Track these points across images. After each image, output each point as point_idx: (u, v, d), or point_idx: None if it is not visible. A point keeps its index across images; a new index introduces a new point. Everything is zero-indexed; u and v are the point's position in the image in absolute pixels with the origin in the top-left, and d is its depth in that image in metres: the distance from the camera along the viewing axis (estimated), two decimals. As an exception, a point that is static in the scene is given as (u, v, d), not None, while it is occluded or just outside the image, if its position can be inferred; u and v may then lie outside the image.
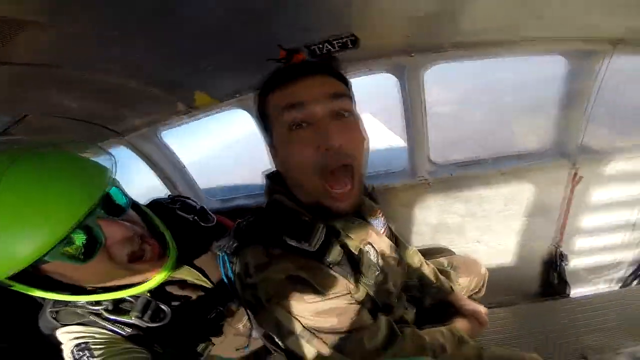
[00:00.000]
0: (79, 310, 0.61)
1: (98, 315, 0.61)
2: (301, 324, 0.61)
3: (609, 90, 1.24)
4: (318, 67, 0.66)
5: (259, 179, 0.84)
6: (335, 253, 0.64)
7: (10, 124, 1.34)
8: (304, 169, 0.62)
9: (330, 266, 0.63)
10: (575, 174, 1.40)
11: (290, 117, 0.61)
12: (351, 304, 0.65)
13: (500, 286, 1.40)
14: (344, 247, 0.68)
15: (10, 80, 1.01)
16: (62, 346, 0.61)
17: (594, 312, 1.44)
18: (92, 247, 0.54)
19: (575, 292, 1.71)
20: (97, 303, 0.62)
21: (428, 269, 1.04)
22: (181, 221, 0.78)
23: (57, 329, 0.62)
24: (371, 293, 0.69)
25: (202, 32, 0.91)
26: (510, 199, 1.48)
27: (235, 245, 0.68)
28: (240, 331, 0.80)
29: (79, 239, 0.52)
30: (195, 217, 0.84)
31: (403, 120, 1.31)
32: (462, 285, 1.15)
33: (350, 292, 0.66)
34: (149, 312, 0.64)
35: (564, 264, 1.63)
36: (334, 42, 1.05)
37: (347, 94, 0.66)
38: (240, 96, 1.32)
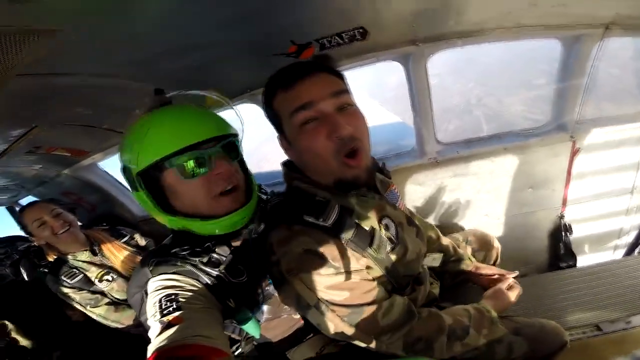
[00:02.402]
0: (178, 262, 0.76)
1: (194, 265, 0.76)
2: (316, 296, 0.70)
3: (600, 68, 1.40)
4: (315, 67, 0.76)
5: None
6: (349, 230, 0.73)
7: (23, 136, 1.42)
8: (320, 156, 0.72)
9: (345, 242, 0.73)
10: (574, 145, 1.56)
11: (301, 117, 0.71)
12: (365, 280, 0.73)
13: (510, 259, 1.53)
14: (357, 225, 0.75)
15: (22, 92, 1.09)
16: (148, 296, 0.72)
17: (601, 282, 1.55)
18: (200, 170, 0.76)
19: (582, 262, 1.85)
20: (196, 255, 0.78)
21: (446, 242, 1.15)
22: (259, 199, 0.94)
23: (149, 279, 0.75)
24: (382, 270, 0.76)
25: (213, 28, 1.00)
26: (515, 173, 1.64)
27: (262, 228, 0.80)
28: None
29: (193, 161, 0.76)
30: (269, 197, 1.01)
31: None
32: (478, 259, 1.25)
33: (364, 269, 0.74)
34: (232, 268, 0.80)
35: (569, 234, 1.79)
36: (343, 34, 1.17)
37: (345, 89, 0.76)
38: (252, 91, 1.43)
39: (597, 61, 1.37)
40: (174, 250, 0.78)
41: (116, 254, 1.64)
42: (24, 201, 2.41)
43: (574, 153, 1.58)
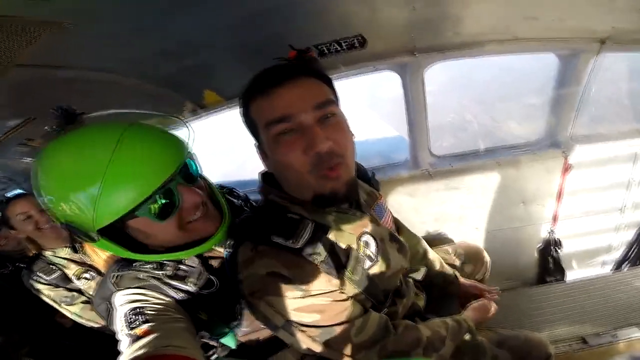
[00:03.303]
0: (141, 275, 0.72)
1: (159, 279, 0.72)
2: (283, 318, 0.68)
3: (594, 86, 1.42)
4: (298, 70, 0.68)
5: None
6: (322, 250, 0.69)
7: (17, 127, 1.41)
8: (296, 172, 0.67)
9: (316, 263, 0.68)
10: (566, 162, 1.59)
11: (277, 130, 0.65)
12: (337, 301, 0.69)
13: (499, 272, 1.54)
14: (333, 244, 0.72)
15: (22, 83, 1.09)
16: (116, 310, 0.70)
17: (589, 295, 1.58)
18: (170, 209, 0.68)
19: (571, 276, 1.87)
20: (161, 268, 0.73)
21: (432, 257, 1.13)
22: (230, 204, 0.88)
23: (114, 293, 0.72)
24: (359, 289, 0.73)
25: (213, 30, 1.02)
26: (507, 188, 1.66)
27: (232, 243, 0.77)
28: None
29: (161, 200, 0.67)
30: (241, 202, 0.96)
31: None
32: (467, 272, 1.25)
33: (338, 289, 0.70)
34: (202, 280, 0.76)
35: (559, 250, 1.81)
36: (342, 42, 1.18)
37: (330, 99, 0.69)
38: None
39: (592, 77, 1.39)
40: (136, 264, 0.75)
41: (98, 252, 1.59)
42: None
43: (566, 169, 1.60)
